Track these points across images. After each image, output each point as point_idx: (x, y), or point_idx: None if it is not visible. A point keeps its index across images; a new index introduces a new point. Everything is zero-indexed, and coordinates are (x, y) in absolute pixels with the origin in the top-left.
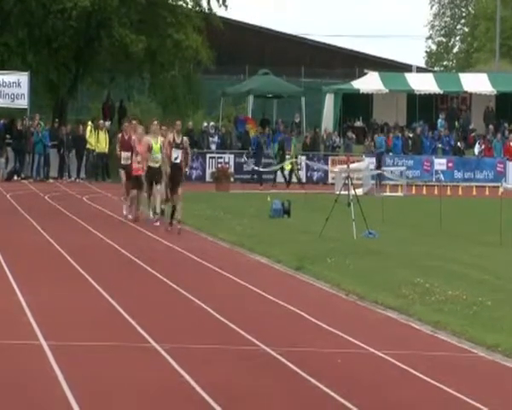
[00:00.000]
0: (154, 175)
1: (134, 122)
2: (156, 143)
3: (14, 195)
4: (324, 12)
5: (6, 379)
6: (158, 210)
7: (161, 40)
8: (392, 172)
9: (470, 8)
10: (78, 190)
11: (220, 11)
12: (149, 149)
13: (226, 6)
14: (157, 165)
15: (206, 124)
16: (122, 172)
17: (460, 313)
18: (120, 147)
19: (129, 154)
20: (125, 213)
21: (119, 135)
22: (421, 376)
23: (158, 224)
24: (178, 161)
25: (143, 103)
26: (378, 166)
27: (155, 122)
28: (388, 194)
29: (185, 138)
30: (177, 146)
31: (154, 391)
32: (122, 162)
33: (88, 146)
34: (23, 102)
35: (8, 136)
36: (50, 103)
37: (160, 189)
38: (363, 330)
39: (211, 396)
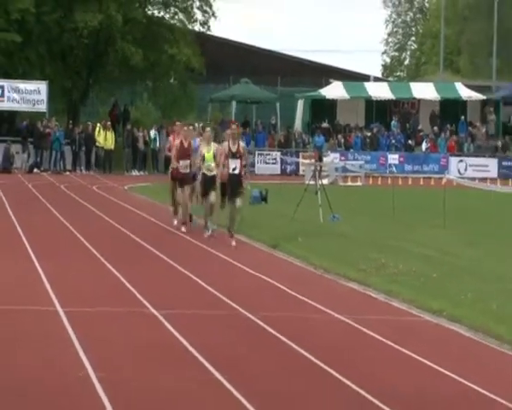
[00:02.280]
0: (208, 183)
1: (186, 128)
2: (209, 151)
3: (35, 185)
4: (298, 31)
5: (25, 342)
6: (214, 226)
7: (159, 54)
8: (352, 165)
9: (419, 28)
10: (89, 181)
11: (212, 29)
12: (202, 157)
13: (216, 17)
14: (211, 173)
15: (196, 125)
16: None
17: (410, 283)
18: (178, 155)
19: (188, 162)
20: (176, 222)
21: (178, 142)
22: (378, 337)
23: (208, 234)
24: (237, 171)
25: (143, 108)
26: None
27: (208, 129)
28: (349, 184)
29: (242, 145)
30: (234, 155)
31: (154, 351)
32: (181, 171)
33: (97, 144)
34: (42, 107)
35: (29, 135)
36: (65, 108)
37: (214, 199)
38: (329, 299)
39: (202, 355)
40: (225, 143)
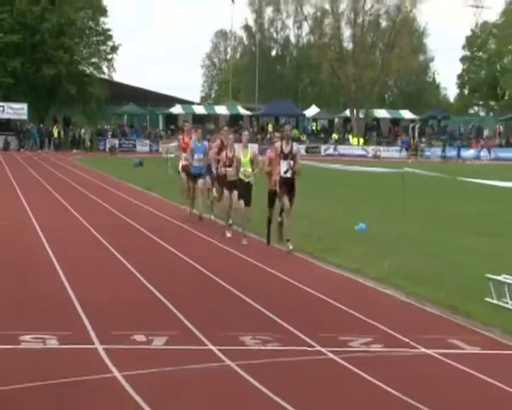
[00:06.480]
0: (243, 190)
1: (225, 129)
2: (245, 155)
3: (21, 157)
4: (160, 75)
5: (14, 246)
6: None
7: (84, 90)
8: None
9: (219, 78)
10: (50, 156)
11: (114, 76)
12: (238, 162)
13: (114, 69)
14: (247, 179)
15: (106, 126)
16: (225, 190)
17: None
18: (227, 163)
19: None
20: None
21: (224, 154)
22: (222, 246)
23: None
24: (289, 175)
25: (77, 117)
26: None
27: (246, 133)
28: None
29: (295, 146)
30: (286, 157)
31: (84, 243)
32: (229, 179)
33: (54, 136)
34: (25, 117)
35: (19, 131)
36: (37, 117)
37: (243, 206)
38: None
39: (112, 246)
40: (278, 144)
